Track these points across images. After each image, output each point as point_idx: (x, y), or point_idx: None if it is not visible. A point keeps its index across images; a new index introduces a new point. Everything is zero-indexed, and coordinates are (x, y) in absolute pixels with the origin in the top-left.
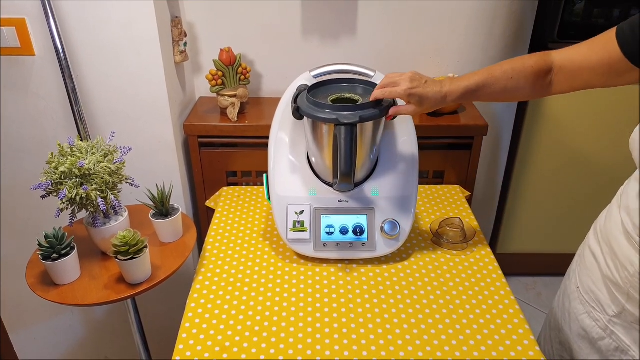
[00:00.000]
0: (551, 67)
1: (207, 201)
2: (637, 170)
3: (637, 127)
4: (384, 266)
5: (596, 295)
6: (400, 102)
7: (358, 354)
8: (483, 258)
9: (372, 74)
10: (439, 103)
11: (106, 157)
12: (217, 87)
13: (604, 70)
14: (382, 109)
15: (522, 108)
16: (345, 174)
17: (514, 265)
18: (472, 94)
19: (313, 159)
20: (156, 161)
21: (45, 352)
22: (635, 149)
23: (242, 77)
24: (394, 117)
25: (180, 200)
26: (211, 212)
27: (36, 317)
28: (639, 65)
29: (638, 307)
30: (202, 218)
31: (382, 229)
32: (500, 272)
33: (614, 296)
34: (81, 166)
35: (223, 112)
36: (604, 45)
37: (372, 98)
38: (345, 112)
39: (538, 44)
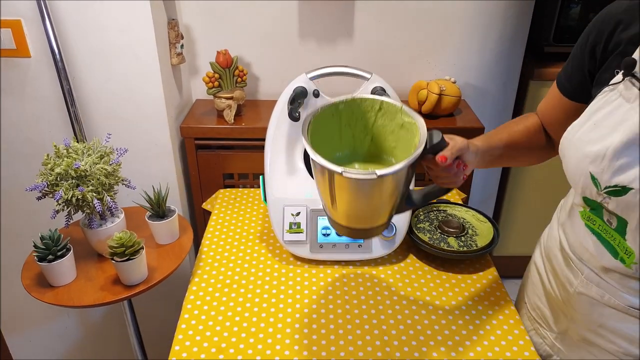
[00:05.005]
0: (541, 123)
1: (204, 203)
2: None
3: (568, 130)
4: (380, 267)
5: (542, 311)
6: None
7: (354, 355)
8: (479, 260)
9: (368, 76)
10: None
11: (102, 158)
12: (213, 89)
13: (567, 117)
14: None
15: (518, 110)
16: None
17: (511, 268)
18: (492, 149)
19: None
20: (153, 163)
21: (41, 355)
22: (562, 155)
23: (239, 79)
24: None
25: (176, 202)
26: (208, 214)
27: (32, 320)
28: (586, 102)
29: (580, 325)
30: (198, 220)
31: None
32: (496, 273)
33: (558, 314)
34: (77, 167)
35: (220, 114)
36: (553, 97)
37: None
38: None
39: (534, 47)
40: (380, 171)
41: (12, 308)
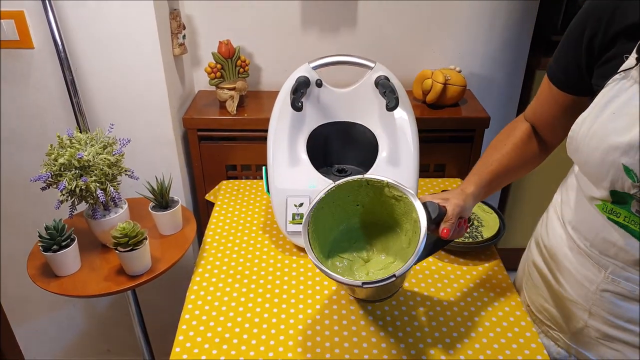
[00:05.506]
0: (531, 128)
1: (207, 194)
2: (572, 178)
3: (579, 123)
4: None
5: (550, 313)
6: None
7: (358, 346)
8: (485, 251)
9: (372, 65)
10: (461, 207)
11: (105, 148)
12: (216, 80)
13: (564, 111)
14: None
15: (524, 100)
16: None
17: (517, 260)
18: (489, 182)
19: None
20: (155, 154)
21: (48, 345)
22: (575, 149)
23: (241, 69)
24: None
25: (180, 193)
26: (211, 205)
27: (38, 310)
28: (585, 93)
29: (602, 322)
30: (202, 211)
31: None
32: (501, 265)
33: (571, 313)
34: (80, 157)
35: (222, 105)
36: (547, 94)
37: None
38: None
39: (541, 36)
40: (399, 271)
41: (18, 298)
